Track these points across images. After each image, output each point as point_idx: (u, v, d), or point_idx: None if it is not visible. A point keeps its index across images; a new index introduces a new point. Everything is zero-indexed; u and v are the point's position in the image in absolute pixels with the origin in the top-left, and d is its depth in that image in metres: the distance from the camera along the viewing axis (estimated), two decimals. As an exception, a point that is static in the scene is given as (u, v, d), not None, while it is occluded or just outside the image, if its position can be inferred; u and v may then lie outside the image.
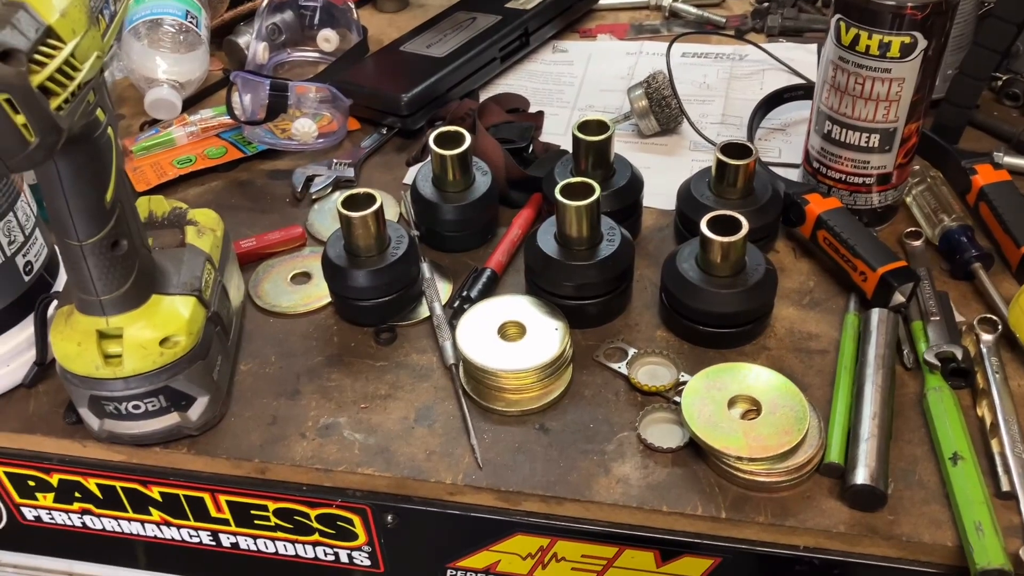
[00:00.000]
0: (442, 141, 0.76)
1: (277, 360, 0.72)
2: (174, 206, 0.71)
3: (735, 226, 0.68)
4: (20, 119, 0.47)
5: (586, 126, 0.76)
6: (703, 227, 0.68)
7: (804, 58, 0.99)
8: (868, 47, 0.69)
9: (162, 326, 0.61)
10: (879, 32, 0.68)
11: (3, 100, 0.46)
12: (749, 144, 0.75)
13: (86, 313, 0.61)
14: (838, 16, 0.70)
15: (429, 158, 0.84)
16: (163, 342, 0.61)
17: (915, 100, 0.71)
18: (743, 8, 1.10)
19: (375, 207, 0.69)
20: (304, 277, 0.78)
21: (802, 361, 0.69)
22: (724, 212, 0.68)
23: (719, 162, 0.75)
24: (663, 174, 0.85)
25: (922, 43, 0.68)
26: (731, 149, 0.75)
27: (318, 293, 0.76)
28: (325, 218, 0.84)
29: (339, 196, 0.71)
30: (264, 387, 0.70)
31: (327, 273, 0.73)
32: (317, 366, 0.71)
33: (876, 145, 0.73)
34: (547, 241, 0.71)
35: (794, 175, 0.84)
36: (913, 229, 0.78)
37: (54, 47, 0.48)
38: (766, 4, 1.08)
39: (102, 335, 0.61)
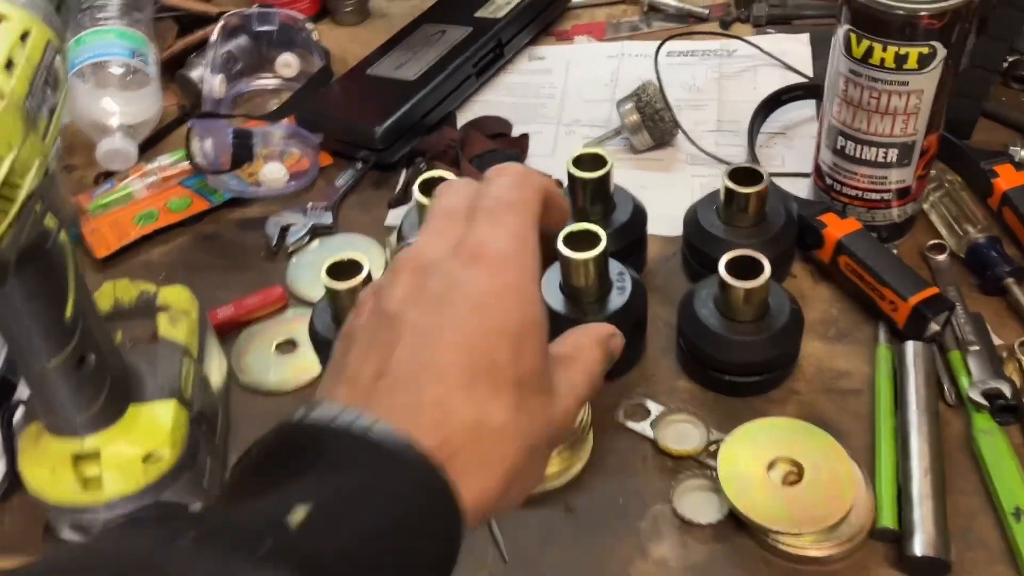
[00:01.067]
0: (429, 188, 0.70)
1: (270, 446, 0.66)
2: (141, 290, 0.65)
3: (756, 268, 0.62)
4: (-43, 261, 0.40)
5: (581, 161, 0.70)
6: (722, 272, 0.62)
7: (797, 50, 0.93)
8: (883, 60, 0.63)
9: (143, 441, 0.55)
10: (895, 43, 0.62)
11: (-65, 244, 0.39)
12: (759, 168, 0.69)
13: (57, 435, 0.54)
14: (847, 27, 0.64)
15: (414, 202, 0.78)
16: (146, 459, 0.55)
17: (934, 111, 0.66)
18: (725, -4, 1.03)
19: (362, 276, 0.63)
20: (290, 346, 0.72)
21: (835, 404, 0.65)
22: (743, 253, 0.63)
23: (728, 190, 0.69)
24: (662, 194, 0.80)
25: (941, 52, 0.62)
26: (740, 174, 0.69)
27: (307, 364, 0.70)
28: (305, 272, 0.78)
29: (324, 264, 0.65)
30: (259, 480, 0.64)
31: (317, 348, 0.67)
32: (315, 450, 0.65)
33: (894, 160, 0.68)
34: (552, 293, 0.65)
35: (802, 185, 0.79)
36: (936, 242, 0.73)
37: (-12, 169, 0.42)
38: (749, -10, 1.02)
39: (77, 458, 0.55)
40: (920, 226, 0.75)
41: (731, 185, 0.69)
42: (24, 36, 0.46)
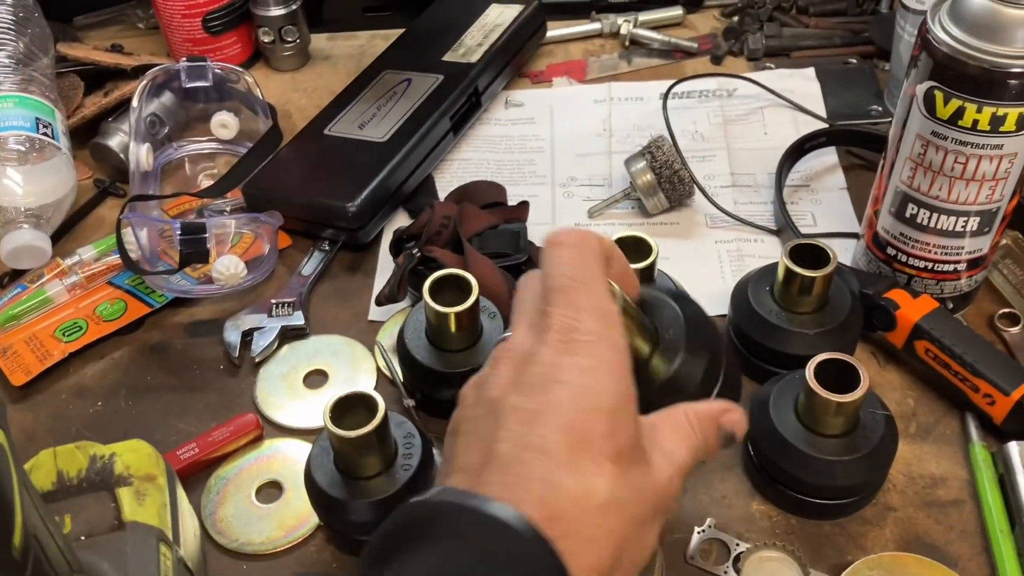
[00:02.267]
0: (439, 290, 0.58)
1: (269, 632, 0.53)
2: (91, 454, 0.50)
3: (846, 371, 0.53)
4: None
5: (621, 246, 0.58)
6: (811, 380, 0.52)
7: (805, 88, 0.84)
8: (976, 121, 0.54)
9: None
10: (992, 104, 0.53)
11: None
12: (824, 246, 0.60)
13: None
14: (931, 84, 0.55)
15: (409, 298, 0.66)
16: None
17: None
18: (709, 24, 0.94)
19: (378, 419, 0.51)
20: (274, 489, 0.59)
21: (938, 521, 0.56)
22: (835, 356, 0.53)
23: (788, 271, 0.59)
24: (687, 266, 0.69)
25: (1039, 110, 0.54)
26: (802, 254, 0.60)
27: (299, 513, 0.57)
28: (278, 389, 0.65)
29: (325, 403, 0.52)
30: None
31: (317, 504, 0.54)
32: (326, 632, 0.52)
33: (975, 228, 0.60)
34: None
35: (843, 247, 0.69)
36: (1007, 311, 0.65)
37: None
38: (736, 19, 0.92)
39: None
40: (983, 292, 0.67)
41: (793, 267, 0.59)
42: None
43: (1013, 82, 0.52)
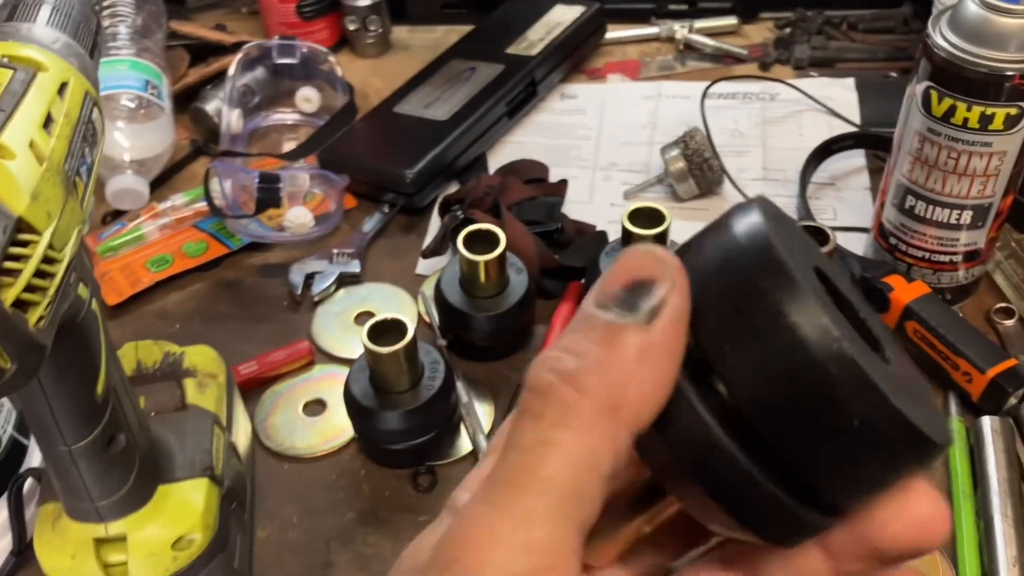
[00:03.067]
0: (472, 242, 0.66)
1: (300, 520, 0.61)
2: (166, 351, 0.60)
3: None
4: (-10, 347, 0.35)
5: (639, 215, 0.66)
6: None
7: (843, 96, 0.90)
8: (966, 119, 0.60)
9: (173, 525, 0.50)
10: (980, 103, 0.59)
11: (-34, 330, 0.34)
12: (824, 227, 0.65)
13: (79, 520, 0.49)
14: (928, 84, 0.61)
15: (451, 253, 0.74)
16: (175, 543, 0.50)
17: (1015, 173, 0.62)
18: (762, 35, 1.00)
19: (407, 340, 0.59)
20: (319, 406, 0.68)
21: (909, 482, 0.61)
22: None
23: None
24: (710, 248, 0.76)
25: (1027, 112, 0.59)
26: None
27: (337, 426, 0.65)
28: (332, 325, 0.73)
29: (365, 326, 0.60)
30: (289, 560, 0.59)
31: (352, 413, 0.62)
32: (349, 526, 0.60)
33: (968, 222, 0.65)
34: None
35: (856, 241, 0.75)
36: (1003, 305, 0.69)
37: (27, 243, 0.37)
38: (788, 31, 0.98)
39: (101, 542, 0.50)
40: (985, 287, 0.72)
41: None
42: (62, 89, 0.42)
43: (997, 84, 0.58)
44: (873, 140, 0.83)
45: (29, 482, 0.58)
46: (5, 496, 0.57)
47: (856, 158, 0.84)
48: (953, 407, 0.64)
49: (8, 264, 0.35)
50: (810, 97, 0.89)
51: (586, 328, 0.22)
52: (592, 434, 0.21)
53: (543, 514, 0.21)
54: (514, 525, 0.21)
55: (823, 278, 0.23)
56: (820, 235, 0.65)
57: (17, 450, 0.60)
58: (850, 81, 0.91)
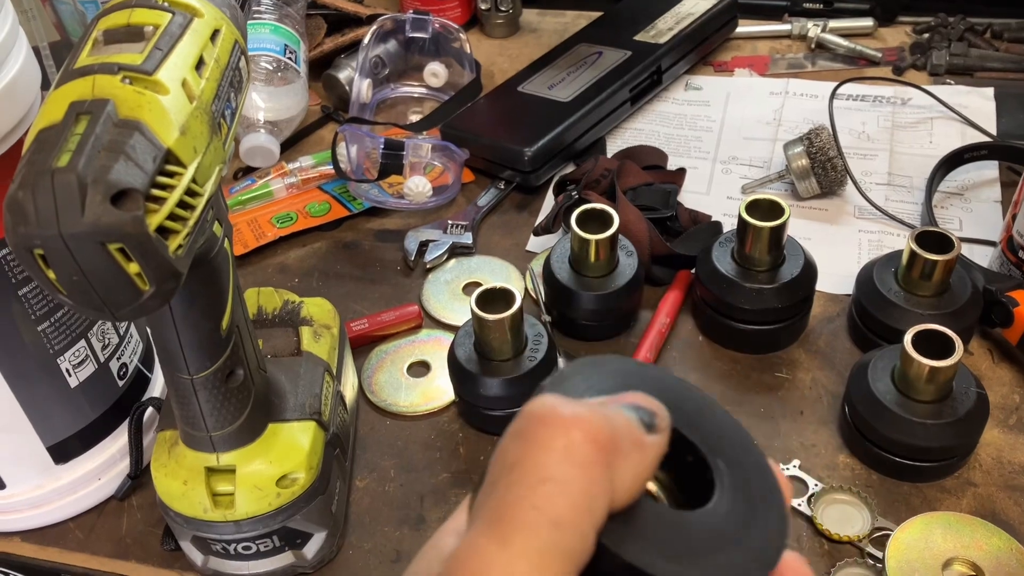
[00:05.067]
0: (585, 221, 0.66)
1: (397, 475, 0.63)
2: (286, 299, 0.62)
3: (945, 345, 0.57)
4: (134, 268, 0.38)
5: (756, 207, 0.65)
6: (907, 346, 0.57)
7: (980, 105, 0.86)
8: (1114, 131, 0.57)
9: (279, 462, 0.53)
10: None
11: (115, 249, 0.37)
12: (950, 234, 0.63)
13: (193, 448, 0.52)
14: (1076, 91, 0.58)
15: (562, 232, 0.75)
16: (280, 480, 0.53)
17: None
18: (899, 39, 0.97)
19: (514, 309, 0.60)
20: (422, 368, 0.69)
21: (1017, 503, 0.58)
22: (932, 328, 0.58)
23: (912, 253, 0.64)
24: (827, 248, 0.74)
25: None
26: (928, 239, 0.64)
27: (439, 389, 0.67)
28: (441, 292, 0.75)
29: (461, 285, 0.61)
30: (384, 512, 0.61)
31: (455, 376, 0.63)
32: (443, 485, 0.62)
33: (1106, 240, 0.62)
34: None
35: (982, 254, 0.73)
36: None
37: (174, 174, 0.39)
38: (927, 36, 0.95)
39: (211, 471, 0.52)
40: (1117, 312, 0.68)
41: (917, 249, 0.63)
42: (214, 35, 0.44)
43: None
44: (1008, 152, 0.80)
45: (149, 412, 0.61)
46: (126, 422, 0.61)
47: (989, 170, 0.81)
48: (1072, 431, 0.61)
49: (155, 192, 0.38)
50: (945, 104, 0.86)
51: None
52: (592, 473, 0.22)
53: (549, 557, 0.21)
54: (528, 568, 0.21)
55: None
56: (944, 241, 0.63)
57: (140, 380, 0.63)
58: (988, 91, 0.88)
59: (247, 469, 0.52)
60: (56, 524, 0.62)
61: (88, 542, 0.61)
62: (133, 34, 0.42)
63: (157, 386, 0.65)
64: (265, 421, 0.53)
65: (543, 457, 0.22)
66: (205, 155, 0.41)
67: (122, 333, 0.60)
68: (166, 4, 0.44)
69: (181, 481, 0.52)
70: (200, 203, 0.41)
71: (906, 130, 0.86)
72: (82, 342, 0.57)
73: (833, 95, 0.83)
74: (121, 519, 0.62)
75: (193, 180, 0.40)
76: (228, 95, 0.45)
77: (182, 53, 0.42)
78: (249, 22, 0.88)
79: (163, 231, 0.39)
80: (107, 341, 0.59)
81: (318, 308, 0.63)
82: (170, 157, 0.39)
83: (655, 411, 0.25)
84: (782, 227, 0.64)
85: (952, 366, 0.56)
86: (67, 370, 0.56)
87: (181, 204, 0.39)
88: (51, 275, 0.37)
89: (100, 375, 0.59)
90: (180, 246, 0.40)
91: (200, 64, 0.43)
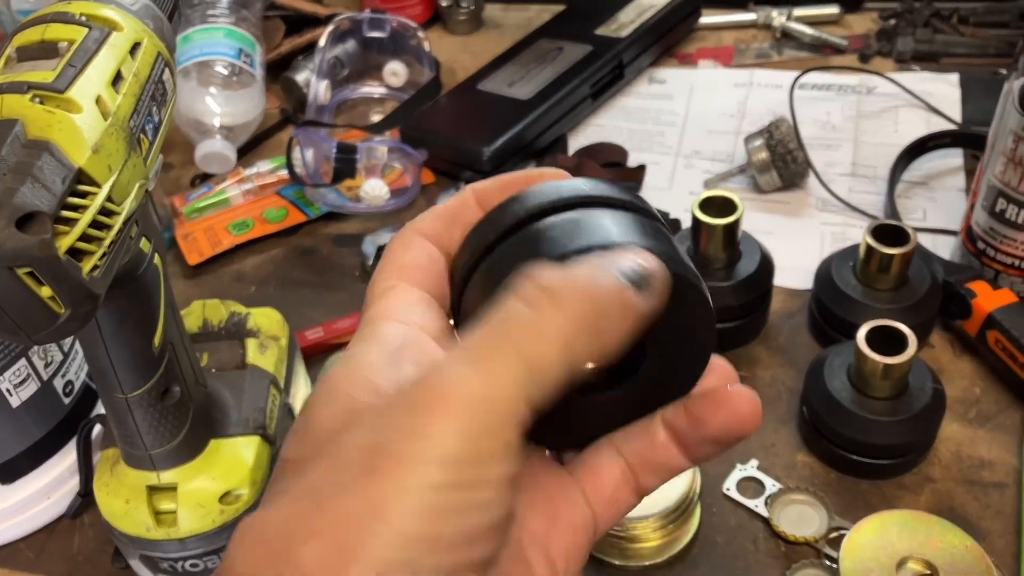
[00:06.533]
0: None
1: (352, 485, 0.62)
2: (232, 311, 0.61)
3: (899, 341, 0.56)
4: (46, 291, 0.37)
5: (709, 204, 0.64)
6: (860, 342, 0.56)
7: (945, 92, 0.85)
8: (1066, 119, 0.56)
9: (222, 478, 0.52)
10: (1083, 103, 0.55)
11: (24, 274, 0.36)
12: (906, 227, 0.63)
13: (134, 466, 0.51)
14: (1027, 80, 0.57)
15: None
16: (223, 497, 0.52)
17: (1118, 179, 0.59)
18: (865, 26, 0.96)
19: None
20: (379, 375, 0.68)
21: (976, 498, 0.58)
22: (886, 323, 0.57)
23: (869, 248, 0.63)
24: (789, 242, 0.74)
25: None
26: (884, 233, 0.63)
27: (396, 397, 0.66)
28: (400, 296, 0.74)
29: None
30: (339, 522, 0.60)
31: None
32: (399, 494, 0.61)
33: (1064, 229, 0.61)
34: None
35: (945, 244, 0.72)
36: (1099, 321, 0.65)
37: (86, 194, 0.38)
38: (893, 22, 0.94)
39: (153, 489, 0.52)
40: (1079, 301, 0.67)
41: (873, 243, 0.62)
42: (134, 49, 0.43)
43: (1103, 82, 0.54)
44: (972, 139, 0.79)
45: (97, 428, 0.60)
46: (75, 439, 0.60)
47: (953, 158, 0.80)
48: (1033, 424, 0.60)
49: (66, 213, 0.37)
50: (909, 92, 0.85)
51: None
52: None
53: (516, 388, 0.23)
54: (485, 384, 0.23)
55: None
56: (899, 234, 0.62)
57: (88, 397, 0.62)
58: (954, 77, 0.87)
59: (189, 487, 0.51)
60: (6, 545, 0.61)
61: (39, 562, 0.60)
62: (47, 51, 0.41)
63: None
64: (207, 437, 0.52)
65: (535, 316, 0.24)
66: (122, 173, 0.40)
67: (66, 350, 0.59)
68: (84, 18, 0.42)
69: (123, 500, 0.52)
70: (117, 222, 0.40)
71: (871, 119, 0.85)
72: (22, 361, 0.56)
73: (794, 86, 0.82)
74: (72, 538, 0.61)
75: (109, 199, 0.39)
76: (150, 109, 0.44)
77: (97, 69, 0.41)
78: (203, 27, 0.87)
79: (76, 252, 0.38)
80: (50, 359, 0.58)
81: (266, 318, 0.62)
82: (82, 177, 0.38)
83: (651, 271, 0.25)
84: (735, 224, 0.63)
85: (906, 362, 0.55)
86: (7, 390, 0.55)
87: (95, 224, 0.38)
88: (-41, 301, 0.36)
89: (44, 393, 0.58)
90: (96, 267, 0.39)
91: (118, 79, 0.42)
